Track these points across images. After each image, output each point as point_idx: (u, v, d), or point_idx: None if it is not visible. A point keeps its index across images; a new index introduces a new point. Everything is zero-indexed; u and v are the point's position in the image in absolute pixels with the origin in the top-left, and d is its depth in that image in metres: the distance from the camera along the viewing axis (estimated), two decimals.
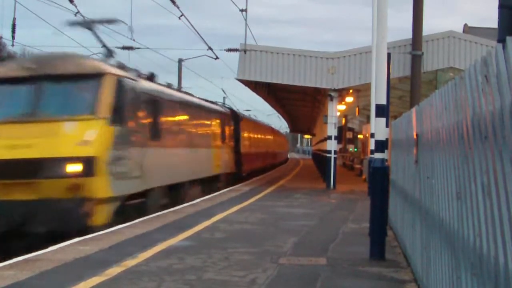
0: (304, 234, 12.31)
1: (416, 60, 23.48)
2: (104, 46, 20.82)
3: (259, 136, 43.12)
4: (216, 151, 26.00)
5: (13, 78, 13.83)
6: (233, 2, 24.98)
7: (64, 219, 12.12)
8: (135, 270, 8.42)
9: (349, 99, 29.61)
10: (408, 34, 23.74)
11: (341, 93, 26.13)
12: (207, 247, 10.41)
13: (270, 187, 25.95)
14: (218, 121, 26.87)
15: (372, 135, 13.46)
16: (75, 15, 18.37)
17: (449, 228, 5.09)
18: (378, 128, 10.10)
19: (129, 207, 14.42)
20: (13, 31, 21.12)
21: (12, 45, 27.81)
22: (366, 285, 8.06)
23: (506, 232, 3.22)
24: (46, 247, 10.48)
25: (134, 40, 24.19)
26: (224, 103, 38.06)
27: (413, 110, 8.22)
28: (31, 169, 12.31)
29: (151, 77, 18.17)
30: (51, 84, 13.57)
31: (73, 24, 16.82)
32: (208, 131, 25.13)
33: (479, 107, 3.90)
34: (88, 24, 16.65)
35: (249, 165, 35.53)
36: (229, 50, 25.69)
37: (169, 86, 20.99)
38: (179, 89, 29.35)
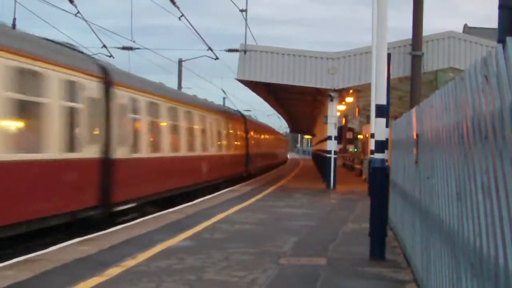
0: (304, 234, 12.31)
1: (416, 60, 23.48)
2: (104, 46, 20.80)
3: (194, 128, 23.28)
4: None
5: None
6: (233, 3, 24.96)
7: None
8: (135, 271, 8.42)
9: (349, 99, 29.61)
10: (408, 35, 23.75)
11: (341, 93, 26.13)
12: (207, 247, 10.40)
13: (270, 187, 25.94)
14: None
15: (372, 135, 13.45)
16: (75, 15, 18.37)
17: (449, 228, 5.09)
18: (378, 128, 10.09)
19: None
20: None
21: None
22: (366, 285, 8.06)
23: (506, 232, 3.22)
24: (46, 247, 10.48)
25: (134, 41, 24.17)
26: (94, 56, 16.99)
27: (413, 110, 8.22)
28: None
29: None
30: None
31: None
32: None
33: (479, 107, 3.90)
34: None
35: (136, 188, 16.51)
36: (229, 50, 25.68)
37: None
38: None
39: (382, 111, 10.05)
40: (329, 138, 26.17)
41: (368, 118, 32.35)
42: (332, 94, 24.96)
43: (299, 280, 8.06)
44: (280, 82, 25.22)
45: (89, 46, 21.98)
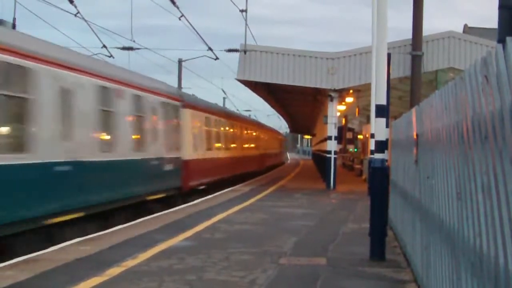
0: (304, 234, 12.31)
1: (416, 60, 23.48)
2: (104, 46, 20.81)
3: None
4: None
5: None
6: (233, 3, 24.97)
7: None
8: (136, 270, 8.43)
9: (349, 99, 29.60)
10: (408, 35, 23.75)
11: (341, 93, 26.13)
12: (207, 247, 10.41)
13: (270, 188, 25.94)
14: None
15: (372, 136, 13.46)
16: (75, 15, 18.38)
17: (449, 228, 5.10)
18: (378, 128, 10.10)
19: None
20: None
21: None
22: (366, 285, 8.06)
23: (506, 232, 3.22)
24: (47, 247, 10.49)
25: (134, 41, 24.18)
26: None
27: (413, 110, 8.23)
28: None
29: None
30: None
31: None
32: None
33: (479, 107, 3.90)
34: None
35: None
36: (229, 50, 25.68)
37: None
38: None
39: (382, 111, 10.06)
40: (329, 138, 26.17)
41: (368, 118, 32.37)
42: (332, 94, 24.95)
43: (299, 280, 8.07)
44: (280, 82, 25.21)
45: (89, 46, 21.92)
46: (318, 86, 24.83)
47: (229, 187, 26.16)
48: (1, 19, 12.37)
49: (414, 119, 8.03)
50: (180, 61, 40.23)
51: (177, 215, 15.14)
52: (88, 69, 14.11)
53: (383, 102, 10.04)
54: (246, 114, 52.52)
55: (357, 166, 37.80)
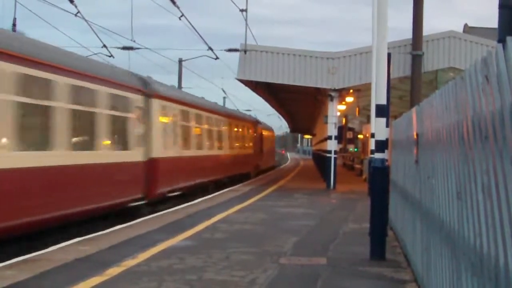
0: (304, 234, 12.31)
1: (416, 60, 23.47)
2: (104, 46, 20.81)
3: None
4: None
5: None
6: (233, 2, 24.91)
7: None
8: (135, 270, 8.42)
9: (350, 99, 29.60)
10: (409, 34, 23.75)
11: (342, 93, 26.12)
12: (207, 247, 10.40)
13: (271, 187, 25.94)
14: None
15: (372, 135, 13.46)
16: (75, 15, 18.37)
17: (450, 228, 5.09)
18: (378, 128, 10.09)
19: None
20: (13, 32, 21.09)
21: None
22: (366, 285, 8.06)
23: (506, 232, 3.21)
24: (47, 247, 10.49)
25: (134, 40, 24.16)
26: None
27: (414, 110, 8.22)
28: None
29: None
30: None
31: None
32: None
33: (479, 107, 3.90)
34: None
35: None
36: (230, 50, 25.66)
37: None
38: None
39: (382, 110, 10.05)
40: (329, 138, 26.16)
41: (368, 117, 32.36)
42: (332, 93, 24.95)
43: (299, 280, 8.06)
44: (280, 82, 25.20)
45: (89, 46, 21.86)
46: (318, 85, 24.82)
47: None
48: None
49: (414, 118, 8.02)
50: (180, 61, 40.23)
51: (177, 215, 15.14)
52: None
53: (383, 102, 10.03)
54: (246, 113, 50.00)
55: (357, 166, 37.80)
